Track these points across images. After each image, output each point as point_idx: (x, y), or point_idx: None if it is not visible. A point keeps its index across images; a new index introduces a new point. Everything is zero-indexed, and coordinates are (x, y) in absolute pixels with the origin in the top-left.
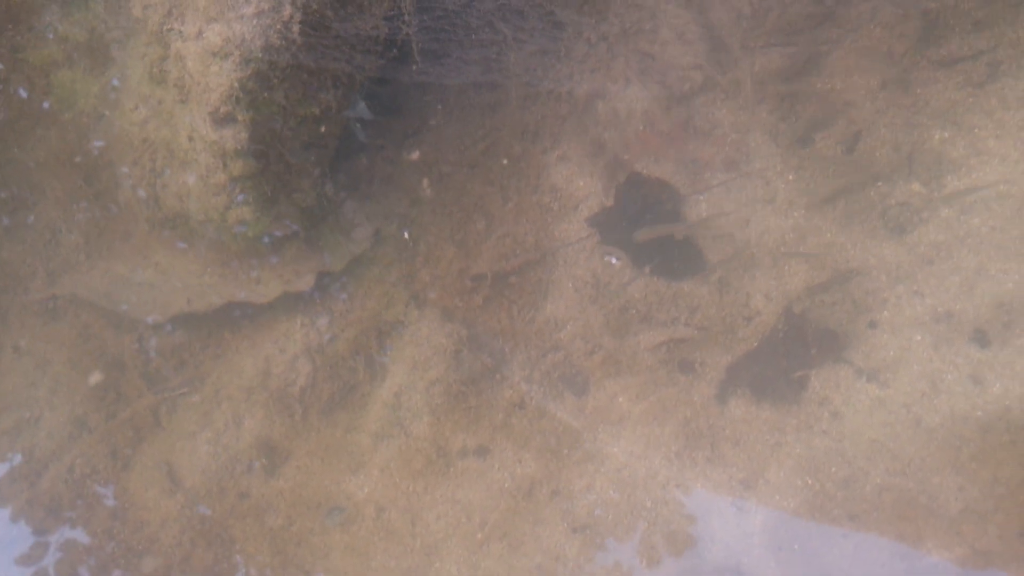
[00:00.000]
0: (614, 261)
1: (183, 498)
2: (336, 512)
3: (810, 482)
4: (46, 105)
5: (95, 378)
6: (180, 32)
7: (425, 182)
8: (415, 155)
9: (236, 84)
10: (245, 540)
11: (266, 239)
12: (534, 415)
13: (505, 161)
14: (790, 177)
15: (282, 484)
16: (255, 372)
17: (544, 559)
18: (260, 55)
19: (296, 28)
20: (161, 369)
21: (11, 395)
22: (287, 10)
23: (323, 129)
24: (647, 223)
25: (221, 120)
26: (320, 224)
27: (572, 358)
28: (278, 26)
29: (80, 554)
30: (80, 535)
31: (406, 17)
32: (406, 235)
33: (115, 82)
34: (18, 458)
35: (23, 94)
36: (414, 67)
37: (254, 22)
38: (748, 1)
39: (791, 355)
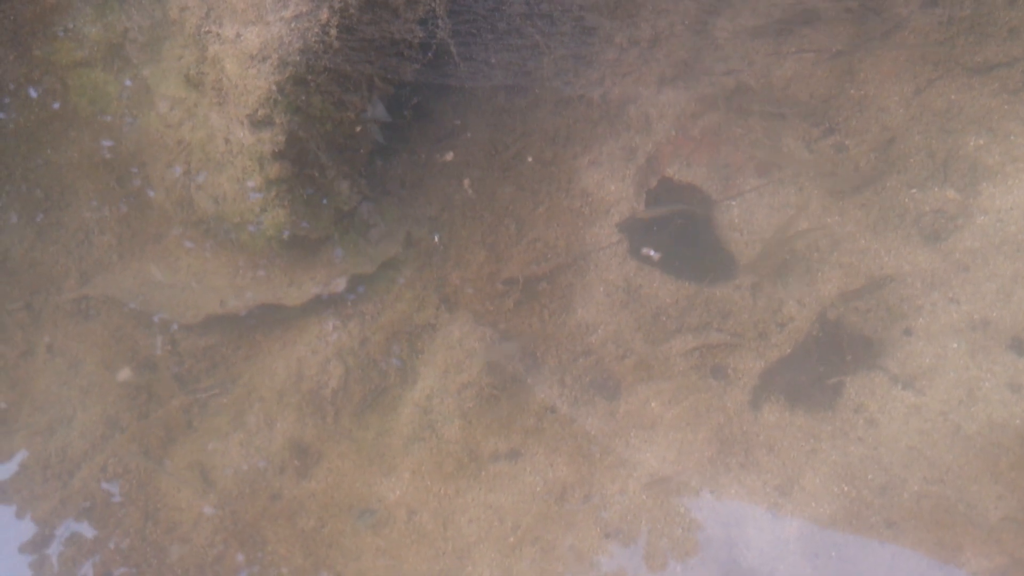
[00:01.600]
0: (652, 254)
1: (215, 499)
2: (367, 514)
3: (846, 489)
4: (78, 106)
5: (124, 375)
6: (218, 35)
7: (467, 182)
8: (449, 156)
9: (274, 87)
10: (277, 542)
11: (300, 242)
12: (566, 419)
13: (537, 165)
14: (824, 183)
15: (314, 486)
16: (287, 374)
17: (577, 564)
18: (298, 58)
19: (333, 32)
20: (193, 370)
21: (44, 395)
22: (324, 14)
23: (358, 131)
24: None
25: (258, 123)
26: (352, 228)
27: (603, 362)
28: (316, 29)
29: (112, 555)
30: (111, 535)
31: (440, 21)
32: (436, 239)
33: (149, 84)
34: (52, 457)
35: (55, 96)
36: (453, 69)
37: (292, 25)
38: (782, 9)
39: (825, 361)
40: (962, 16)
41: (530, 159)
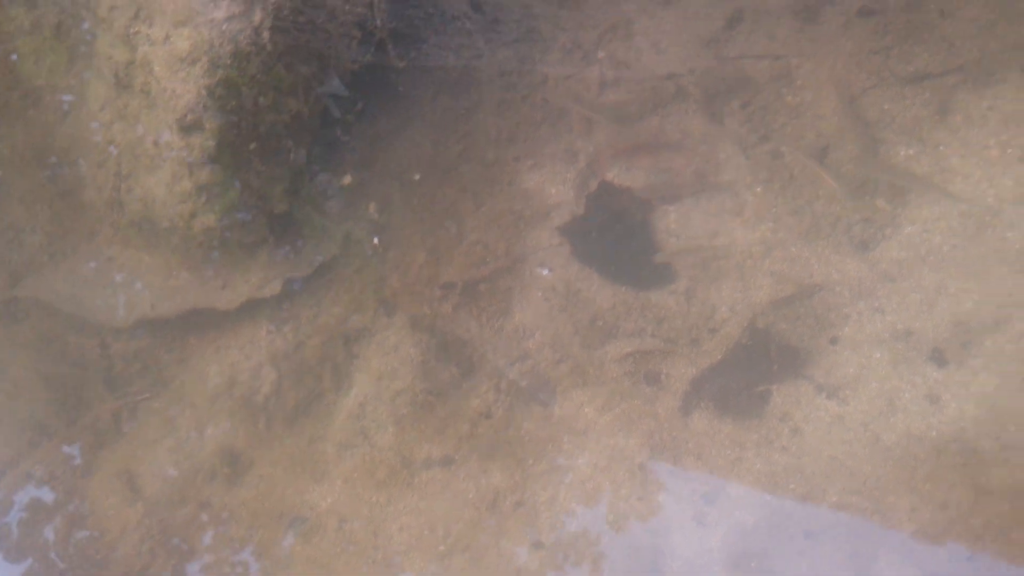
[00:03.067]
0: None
1: (143, 507)
2: (298, 522)
3: (769, 498)
4: (9, 101)
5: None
6: (147, 36)
7: (372, 207)
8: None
9: (204, 91)
10: (205, 551)
11: (233, 245)
12: (500, 425)
13: (478, 167)
14: (758, 189)
15: (245, 493)
16: (220, 379)
17: (506, 572)
18: (229, 61)
19: (266, 34)
20: (123, 374)
21: None
22: (257, 15)
23: (291, 138)
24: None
25: (188, 127)
26: (289, 226)
27: (540, 367)
28: (248, 31)
29: (41, 566)
30: (40, 545)
31: (379, 22)
32: (376, 241)
33: (83, 80)
34: None
35: None
36: (393, 72)
37: (223, 27)
38: (722, 14)
39: (754, 369)
40: (897, 26)
41: (479, 167)
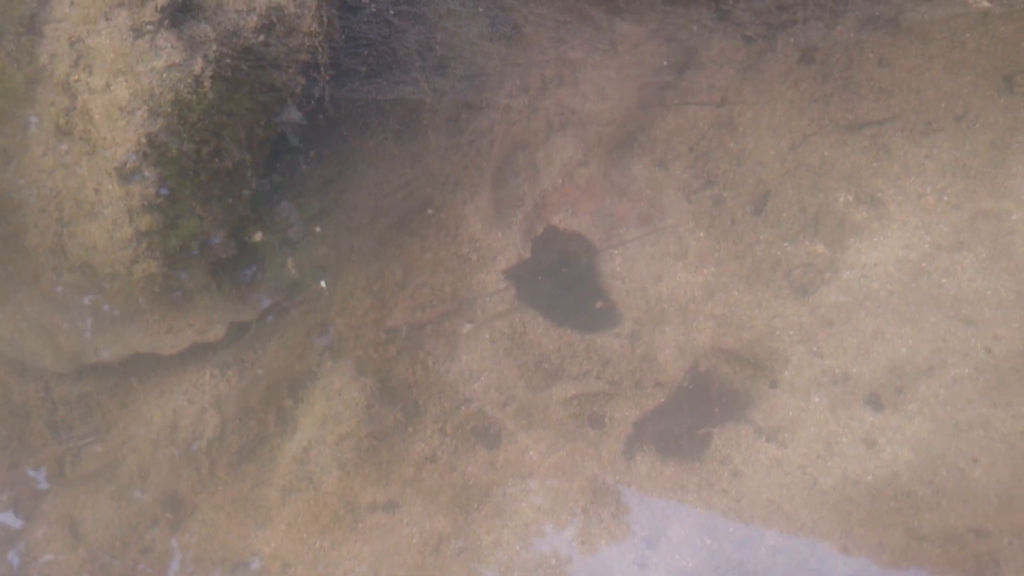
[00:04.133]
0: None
1: (85, 552)
2: (241, 568)
3: (708, 542)
4: None
5: None
6: (87, 84)
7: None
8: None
9: (144, 139)
10: None
11: (176, 291)
12: (445, 469)
13: (428, 211)
14: (701, 234)
15: (187, 539)
16: (162, 423)
17: None
18: (169, 109)
19: (208, 83)
20: (66, 418)
21: None
22: (199, 64)
23: (236, 182)
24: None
25: (128, 175)
26: (233, 271)
27: (485, 410)
28: (189, 80)
29: None
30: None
31: (323, 71)
32: (322, 284)
33: (25, 127)
34: None
35: None
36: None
37: (164, 76)
38: (667, 60)
39: (695, 412)
40: (837, 75)
41: (428, 211)
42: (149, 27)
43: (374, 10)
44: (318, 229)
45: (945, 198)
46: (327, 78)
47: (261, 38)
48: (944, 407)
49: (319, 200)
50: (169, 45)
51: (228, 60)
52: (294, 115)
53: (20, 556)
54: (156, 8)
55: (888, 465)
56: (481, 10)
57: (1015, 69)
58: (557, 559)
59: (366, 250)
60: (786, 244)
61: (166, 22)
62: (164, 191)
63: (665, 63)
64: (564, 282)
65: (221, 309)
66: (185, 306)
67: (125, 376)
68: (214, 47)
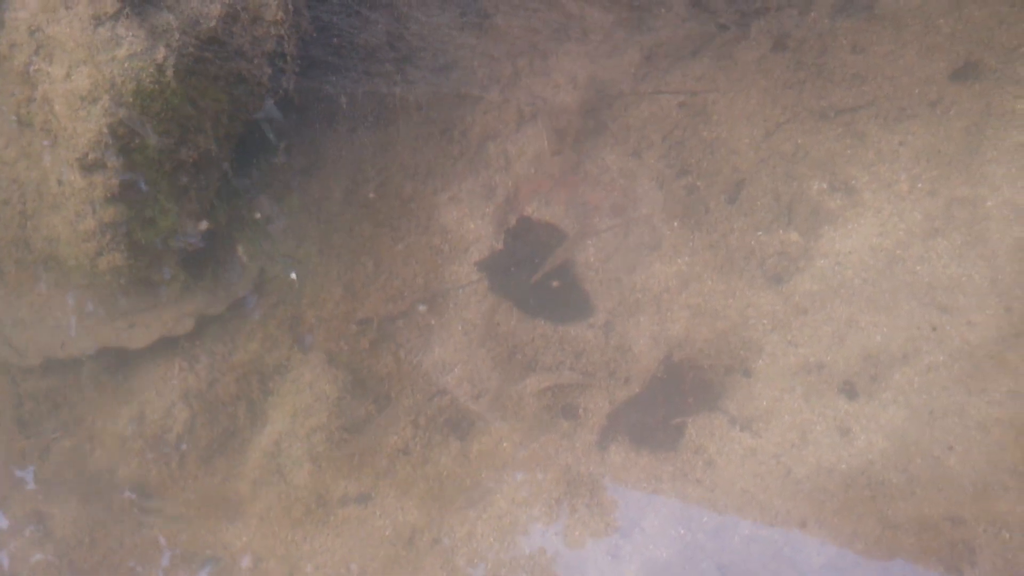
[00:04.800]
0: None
1: (53, 548)
2: (212, 562)
3: (682, 532)
4: None
5: None
6: (48, 73)
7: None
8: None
9: (105, 130)
10: None
11: (143, 283)
12: (418, 461)
13: (395, 202)
14: (675, 224)
15: (156, 533)
16: (130, 417)
17: None
18: (131, 99)
19: (170, 71)
20: (34, 413)
21: None
22: (161, 52)
23: (203, 173)
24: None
25: (90, 166)
26: (202, 263)
27: (458, 402)
28: (151, 69)
29: None
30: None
31: (289, 61)
32: (293, 276)
33: None
34: None
35: None
36: (309, 106)
37: (125, 65)
38: (639, 47)
39: (670, 402)
40: (810, 62)
41: (396, 202)
42: (110, 16)
43: (343, 0)
44: (282, 223)
45: (920, 185)
46: (295, 69)
47: (225, 27)
48: (919, 395)
49: (289, 190)
50: (131, 34)
51: (191, 49)
52: (273, 112)
53: (9, 557)
54: None
55: (862, 453)
56: None
57: (989, 54)
58: (531, 550)
59: (337, 241)
60: (760, 233)
61: (127, 10)
62: (127, 181)
63: (637, 51)
64: (537, 273)
65: (190, 302)
66: (153, 299)
67: (93, 370)
68: (177, 36)
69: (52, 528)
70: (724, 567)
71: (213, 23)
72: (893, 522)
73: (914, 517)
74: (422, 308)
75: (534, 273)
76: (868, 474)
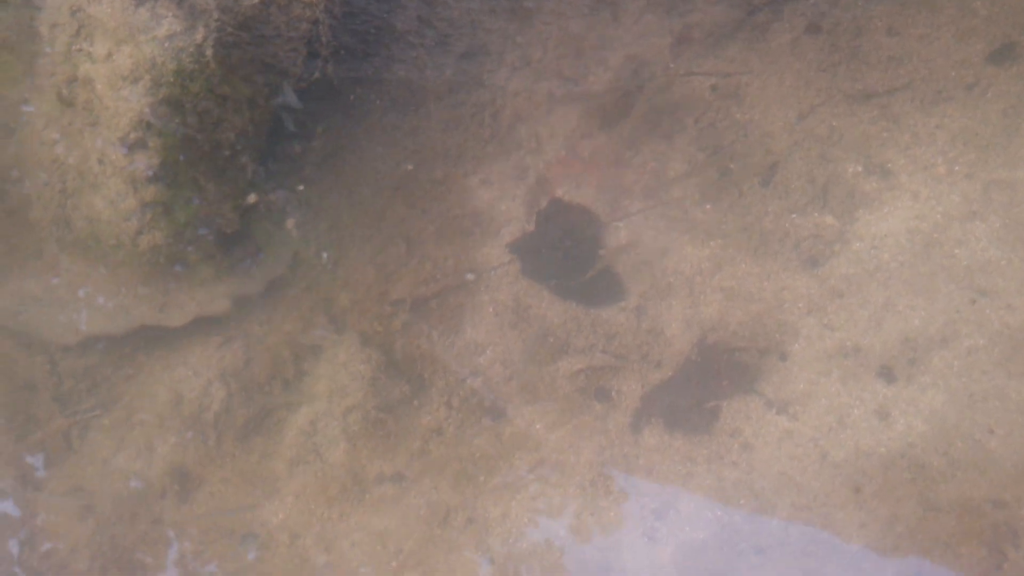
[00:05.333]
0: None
1: (94, 523)
2: (249, 539)
3: (719, 514)
4: None
5: None
6: (89, 53)
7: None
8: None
9: (147, 109)
10: (157, 567)
11: (181, 263)
12: (452, 441)
13: (427, 184)
14: (708, 206)
15: (195, 510)
16: (168, 396)
17: None
18: (172, 79)
19: (210, 51)
20: (73, 391)
21: None
22: (200, 32)
23: (240, 152)
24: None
25: (131, 145)
26: (238, 244)
27: (491, 384)
28: (191, 49)
29: None
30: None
31: (323, 39)
32: (325, 257)
33: (27, 99)
34: None
35: None
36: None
37: (165, 44)
38: (670, 30)
39: (704, 385)
40: (845, 44)
41: (427, 185)
42: None
43: None
44: (314, 206)
45: (957, 167)
46: (328, 51)
47: (262, 8)
48: (958, 378)
49: (320, 174)
50: (170, 14)
51: (229, 30)
52: (291, 99)
53: (20, 544)
54: None
55: (902, 437)
56: None
57: None
58: (565, 532)
59: (369, 224)
60: (794, 216)
61: None
62: (168, 161)
63: (669, 33)
64: (569, 255)
65: (226, 282)
66: (190, 278)
67: (131, 348)
68: (215, 16)
69: (93, 504)
70: (762, 549)
71: (250, 5)
72: (934, 505)
73: (956, 500)
74: (470, 276)
75: (565, 257)
76: (908, 457)
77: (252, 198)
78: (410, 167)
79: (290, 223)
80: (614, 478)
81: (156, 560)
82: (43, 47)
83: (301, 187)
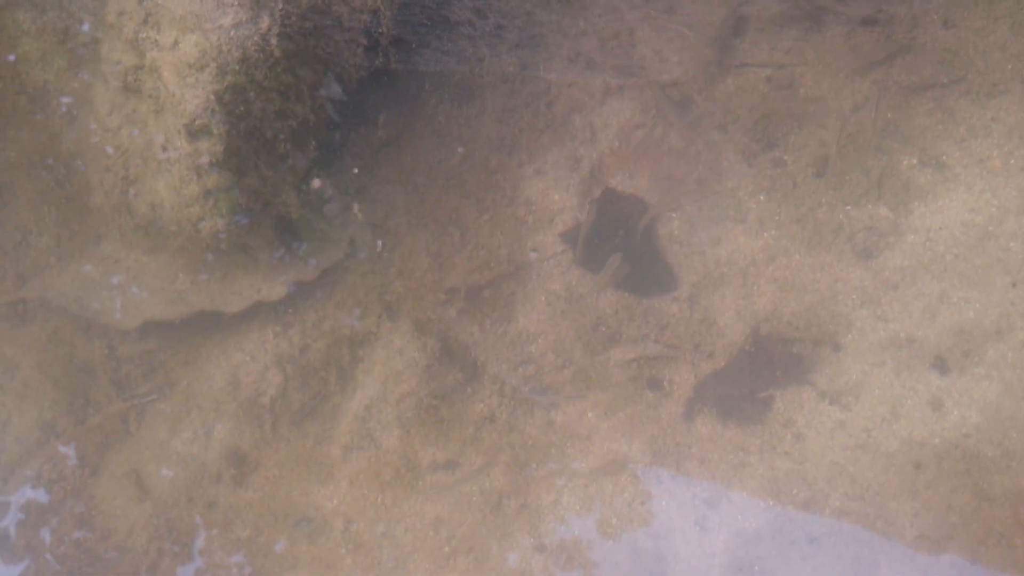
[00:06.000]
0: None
1: (151, 506)
2: (304, 523)
3: (772, 503)
4: (17, 104)
5: None
6: (156, 41)
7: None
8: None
9: (212, 96)
10: (212, 551)
11: (240, 249)
12: (504, 429)
13: (481, 173)
14: (761, 197)
15: (251, 494)
16: (225, 381)
17: (509, 575)
18: (237, 67)
19: (274, 40)
20: (131, 375)
21: None
22: (265, 22)
23: (300, 139)
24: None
25: (196, 132)
26: (295, 231)
27: (543, 372)
28: (256, 38)
29: (46, 564)
30: (47, 541)
31: (384, 29)
32: (380, 245)
33: (87, 85)
34: None
35: None
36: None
37: (231, 33)
38: (725, 23)
39: (757, 375)
40: (900, 36)
41: (460, 149)
42: None
43: None
44: (371, 194)
45: (1012, 161)
46: (388, 42)
47: None
48: (1013, 370)
49: (377, 163)
50: (236, 3)
51: (294, 19)
52: (335, 90)
53: (54, 531)
54: None
55: (955, 428)
56: None
57: None
58: (617, 520)
59: (424, 212)
60: (848, 207)
61: None
62: (231, 148)
63: (724, 24)
64: (621, 245)
65: (283, 268)
66: (248, 265)
67: (188, 334)
68: (280, 4)
69: (149, 487)
70: (815, 539)
71: None
72: (988, 495)
73: (1011, 490)
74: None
75: (618, 246)
76: (962, 448)
77: (316, 183)
78: (464, 156)
79: (355, 207)
80: (667, 467)
81: (210, 543)
82: (108, 34)
83: (356, 171)
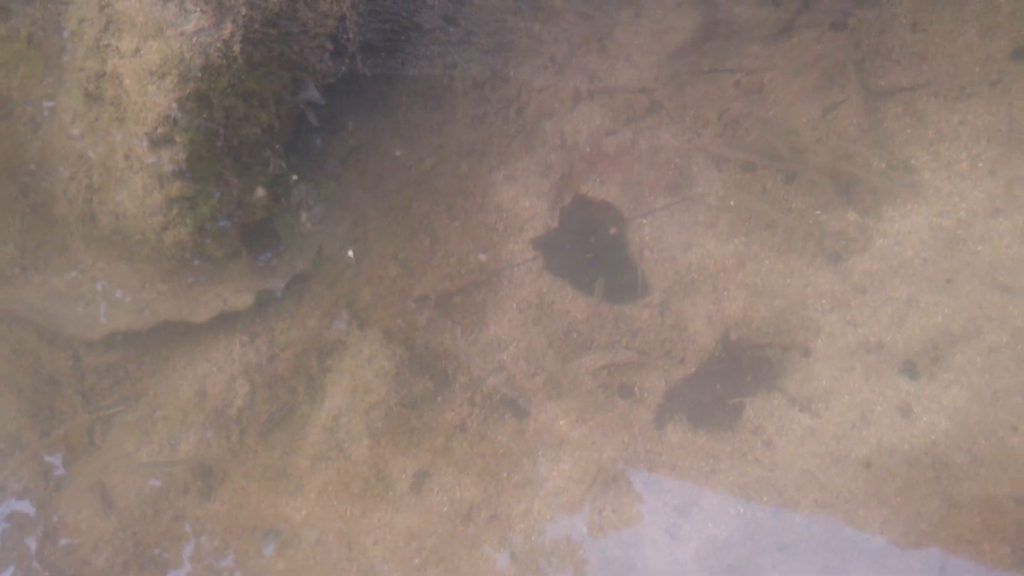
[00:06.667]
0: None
1: (116, 520)
2: (272, 535)
3: (742, 511)
4: None
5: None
6: (117, 49)
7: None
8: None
9: (174, 104)
10: (179, 563)
11: (206, 258)
12: (475, 438)
13: (452, 179)
14: (731, 203)
15: (218, 507)
16: (192, 392)
17: None
18: (200, 74)
19: (237, 47)
20: (96, 386)
21: None
22: (228, 29)
23: (264, 147)
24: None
25: (158, 141)
26: (262, 239)
27: (514, 380)
28: (218, 44)
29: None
30: (13, 558)
31: (350, 35)
32: (350, 253)
33: (51, 94)
34: None
35: None
36: (361, 76)
37: (193, 40)
38: (695, 28)
39: (727, 382)
40: (869, 40)
41: (452, 180)
42: None
43: None
44: (339, 202)
45: (980, 164)
46: (355, 47)
47: (289, 5)
48: (982, 375)
49: (345, 169)
50: (198, 9)
51: (257, 26)
52: (314, 94)
53: (37, 541)
54: None
55: (924, 434)
56: None
57: None
58: (588, 528)
59: (394, 219)
60: (818, 212)
61: None
62: (193, 156)
63: (693, 30)
64: (592, 251)
65: (249, 277)
66: (214, 274)
67: (154, 344)
68: (243, 11)
69: (115, 499)
70: (785, 546)
71: (277, 0)
72: (957, 502)
73: (979, 497)
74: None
75: (588, 251)
76: (931, 454)
77: (260, 192)
78: (434, 163)
79: (304, 216)
80: (637, 474)
81: (176, 556)
82: (70, 42)
83: (325, 180)
